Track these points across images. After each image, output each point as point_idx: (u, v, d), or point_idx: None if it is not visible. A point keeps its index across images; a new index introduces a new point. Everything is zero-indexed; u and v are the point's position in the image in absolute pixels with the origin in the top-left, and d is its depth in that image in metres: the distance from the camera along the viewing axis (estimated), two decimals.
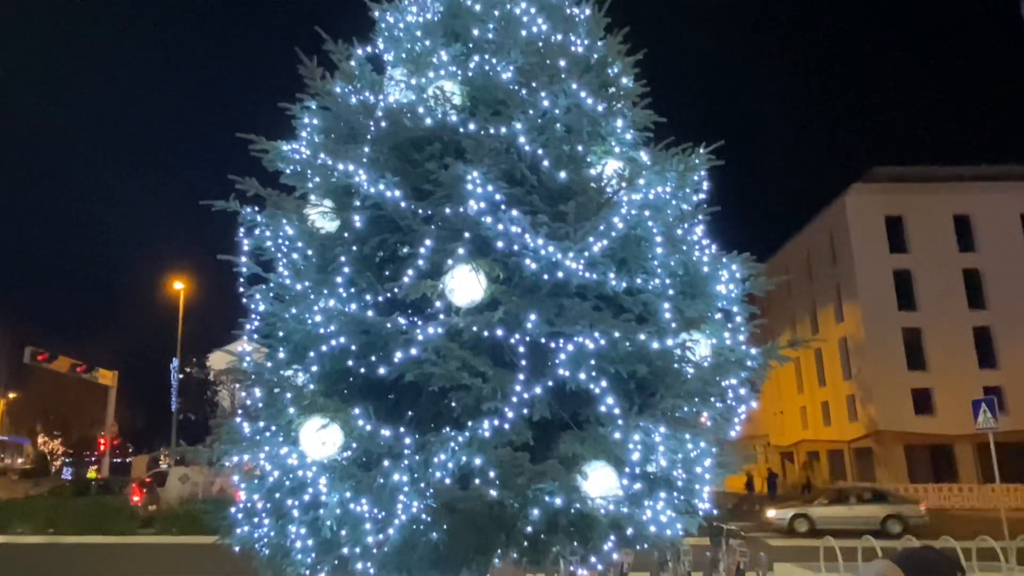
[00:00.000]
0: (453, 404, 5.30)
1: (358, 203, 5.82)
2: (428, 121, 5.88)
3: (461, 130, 5.77)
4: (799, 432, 51.34)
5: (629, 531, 5.31)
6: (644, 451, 5.15)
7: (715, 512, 6.69)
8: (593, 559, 5.47)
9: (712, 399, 5.69)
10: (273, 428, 5.52)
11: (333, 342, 5.53)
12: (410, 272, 5.49)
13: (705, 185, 6.38)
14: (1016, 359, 41.05)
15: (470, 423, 5.15)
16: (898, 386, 41.56)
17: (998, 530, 12.54)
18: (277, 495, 5.59)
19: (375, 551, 5.19)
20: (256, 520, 5.68)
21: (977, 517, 24.76)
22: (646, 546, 6.08)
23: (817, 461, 48.78)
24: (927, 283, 42.85)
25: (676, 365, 5.46)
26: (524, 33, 6.17)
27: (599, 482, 4.93)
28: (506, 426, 5.08)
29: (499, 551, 5.26)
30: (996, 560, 11.75)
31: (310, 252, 6.12)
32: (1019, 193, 42.73)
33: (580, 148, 5.87)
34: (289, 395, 5.36)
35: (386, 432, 5.21)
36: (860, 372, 43.28)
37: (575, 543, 5.27)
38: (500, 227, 5.28)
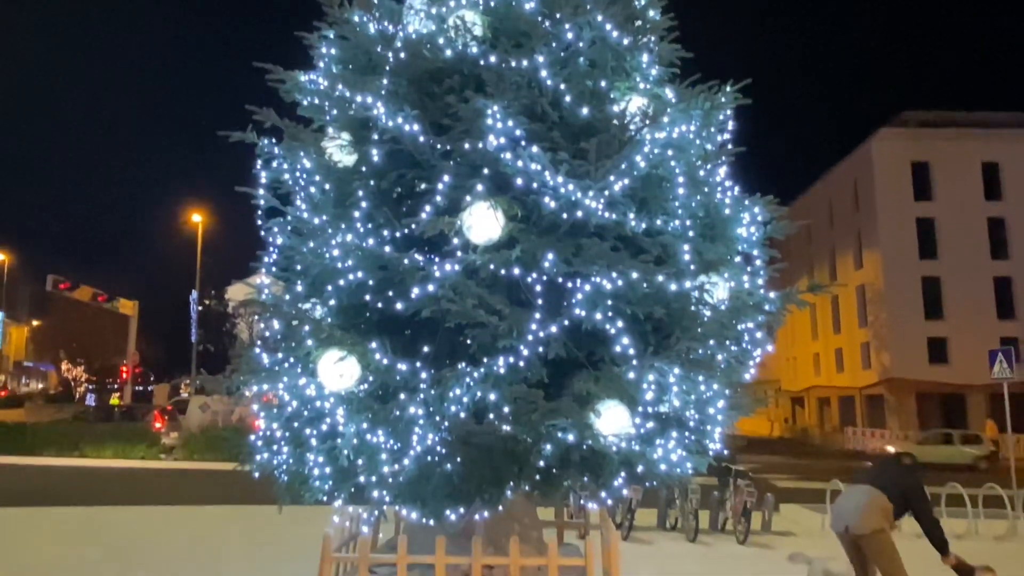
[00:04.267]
0: (469, 341, 5.33)
1: (376, 137, 5.75)
2: (448, 53, 5.74)
3: (482, 62, 5.63)
4: (811, 378, 51.55)
5: (639, 468, 5.39)
6: (657, 391, 5.17)
7: (725, 453, 6.78)
8: (603, 494, 5.58)
9: (728, 342, 5.68)
10: (291, 360, 5.60)
11: (350, 276, 5.54)
12: (428, 208, 5.45)
13: (730, 125, 6.23)
14: None
15: (486, 360, 5.19)
16: (914, 334, 41.41)
17: (1006, 479, 12.63)
18: (295, 424, 5.71)
19: (391, 480, 5.31)
20: (275, 448, 5.82)
21: (987, 466, 24.98)
22: (655, 483, 6.19)
23: (828, 407, 49.10)
24: (950, 231, 42.17)
25: (693, 307, 5.44)
26: None
27: (612, 420, 4.98)
28: (521, 363, 5.11)
29: (512, 484, 5.37)
30: (1003, 508, 11.85)
31: (327, 186, 6.08)
32: None
33: (603, 83, 5.72)
34: (307, 328, 5.41)
35: (402, 366, 5.27)
36: (876, 320, 43.08)
37: (586, 478, 5.37)
38: (520, 164, 5.20)
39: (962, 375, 38.33)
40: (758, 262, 6.20)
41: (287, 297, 6.02)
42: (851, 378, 45.36)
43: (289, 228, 6.18)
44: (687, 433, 5.67)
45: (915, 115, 45.07)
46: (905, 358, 40.85)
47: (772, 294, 6.03)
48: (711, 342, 5.43)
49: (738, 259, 6.06)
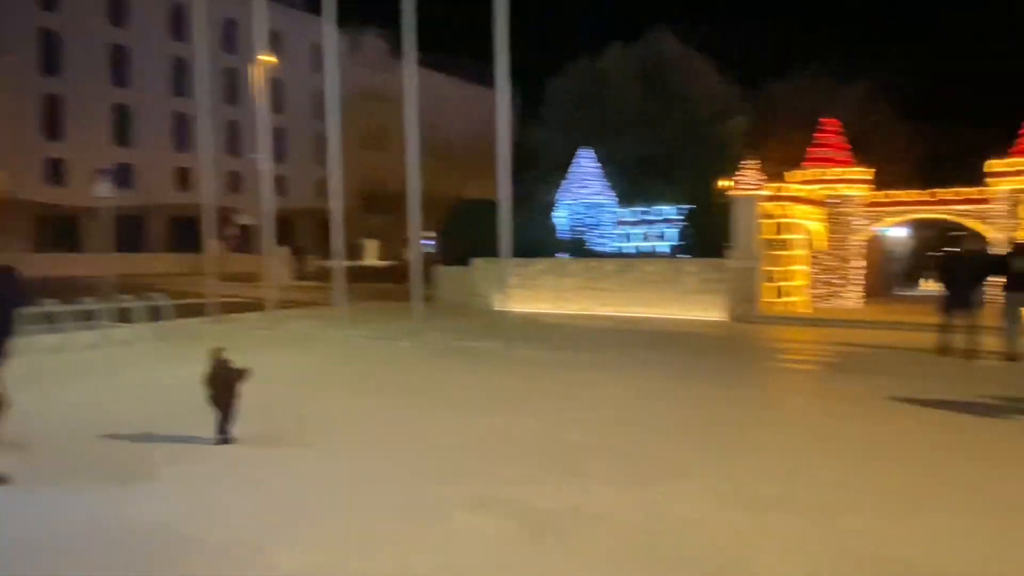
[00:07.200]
0: None
1: None
2: None
3: None
4: None
5: None
6: None
7: None
8: None
9: None
10: None
11: None
12: None
13: None
14: (149, 141, 44.33)
15: None
16: (33, 154, 39.70)
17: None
18: None
19: None
20: None
21: (95, 283, 26.40)
22: None
23: None
24: (75, 49, 41.21)
25: None
26: None
27: None
28: None
29: None
30: (93, 319, 12.67)
31: None
32: None
33: None
34: None
35: None
36: None
37: None
38: None
39: (80, 198, 38.96)
40: None
41: None
42: None
43: None
44: None
45: None
46: (24, 178, 38.85)
47: None
48: None
49: None
